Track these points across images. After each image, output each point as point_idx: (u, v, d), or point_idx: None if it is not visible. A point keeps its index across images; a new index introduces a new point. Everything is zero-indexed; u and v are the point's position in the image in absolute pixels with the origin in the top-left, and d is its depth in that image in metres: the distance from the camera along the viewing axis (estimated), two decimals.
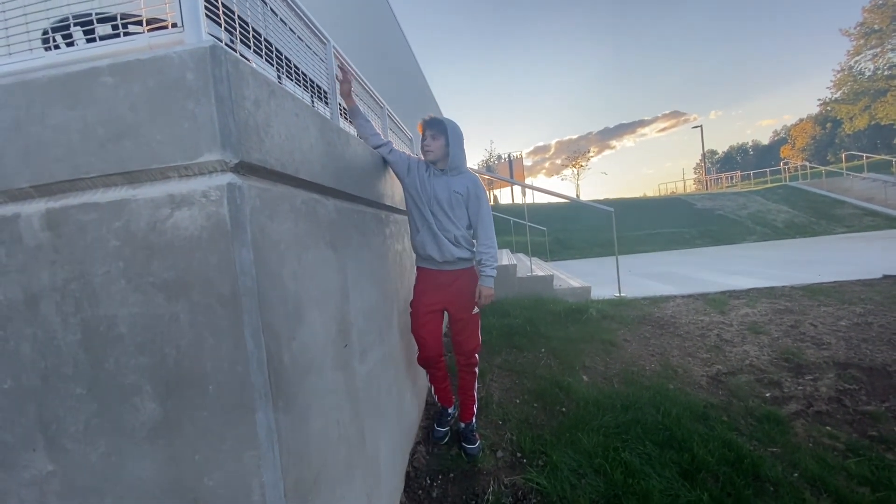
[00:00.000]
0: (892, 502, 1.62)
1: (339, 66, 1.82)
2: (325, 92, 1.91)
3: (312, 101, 1.85)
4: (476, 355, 2.04)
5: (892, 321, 2.94)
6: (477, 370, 2.08)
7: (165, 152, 0.84)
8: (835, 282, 3.92)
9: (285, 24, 1.68)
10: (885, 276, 3.95)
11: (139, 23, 1.16)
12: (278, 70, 1.59)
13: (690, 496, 1.65)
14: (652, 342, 2.89)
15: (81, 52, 1.07)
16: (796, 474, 1.77)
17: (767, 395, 2.29)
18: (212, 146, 0.82)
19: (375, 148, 1.90)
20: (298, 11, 1.72)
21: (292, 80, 1.75)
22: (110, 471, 0.90)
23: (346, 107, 1.92)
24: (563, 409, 2.24)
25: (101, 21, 1.15)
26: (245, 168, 0.87)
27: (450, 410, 2.13)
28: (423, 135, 1.93)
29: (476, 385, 2.09)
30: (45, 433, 0.92)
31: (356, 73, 2.25)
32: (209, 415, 0.86)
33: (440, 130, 1.90)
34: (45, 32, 1.22)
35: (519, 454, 1.97)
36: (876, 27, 22.79)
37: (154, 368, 0.87)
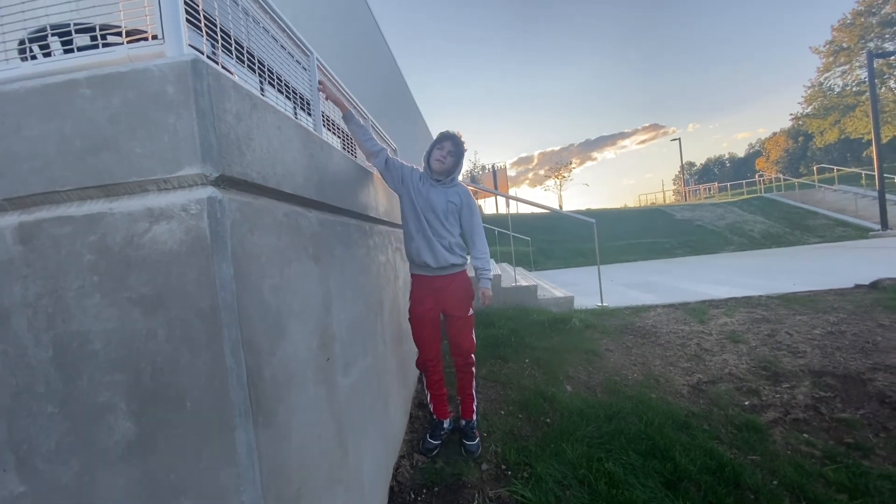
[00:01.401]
0: None
1: (319, 80, 1.84)
2: (307, 102, 1.91)
3: (295, 112, 1.85)
4: (472, 355, 2.14)
5: (864, 330, 3.04)
6: (474, 370, 2.16)
7: (144, 165, 0.83)
8: (809, 291, 4.04)
9: (268, 32, 1.68)
10: (857, 286, 4.09)
11: (119, 34, 1.15)
12: (261, 80, 1.59)
13: None
14: (634, 351, 2.93)
15: (59, 63, 1.05)
16: (776, 482, 1.80)
17: (746, 403, 2.34)
18: (192, 160, 0.82)
19: (371, 153, 1.95)
20: (281, 23, 1.73)
21: (275, 88, 1.76)
22: (83, 491, 0.87)
23: (340, 112, 1.95)
24: (548, 420, 2.25)
25: (79, 32, 1.14)
26: (226, 181, 0.87)
27: (445, 425, 2.13)
28: (442, 145, 1.98)
29: (475, 384, 2.18)
30: (17, 453, 0.88)
31: (340, 84, 2.26)
32: (185, 432, 0.84)
33: (459, 152, 2.00)
34: (22, 42, 1.20)
35: (504, 466, 1.96)
36: (845, 45, 23.88)
37: (129, 385, 0.85)
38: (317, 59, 1.87)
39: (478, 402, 2.45)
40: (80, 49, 1.11)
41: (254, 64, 1.39)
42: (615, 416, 2.20)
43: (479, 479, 1.88)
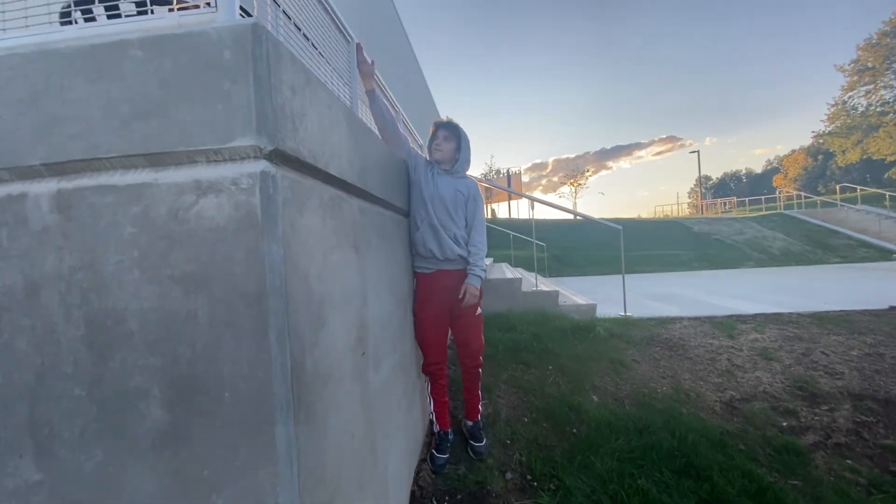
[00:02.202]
0: None
1: (358, 43, 1.80)
2: (346, 83, 1.86)
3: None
4: (480, 357, 2.08)
5: None
6: (481, 371, 2.11)
7: (195, 134, 0.77)
8: (841, 311, 3.89)
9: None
10: (892, 308, 3.93)
11: (166, 2, 1.10)
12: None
13: None
14: (662, 364, 2.82)
15: (105, 29, 1.00)
16: None
17: (784, 424, 2.22)
18: (246, 130, 0.75)
19: (395, 140, 1.91)
20: (332, 15, 1.68)
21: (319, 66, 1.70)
22: (106, 483, 0.80)
23: (364, 89, 1.91)
24: (575, 431, 2.15)
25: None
26: (279, 157, 0.81)
27: (449, 435, 2.04)
28: (436, 135, 1.98)
29: (480, 385, 2.13)
30: (35, 438, 0.82)
31: (377, 76, 2.21)
32: (222, 425, 0.77)
33: (454, 134, 1.97)
34: (66, 7, 1.15)
35: (529, 477, 1.87)
36: (869, 65, 23.44)
37: (165, 370, 0.79)
38: (357, 44, 1.82)
39: (500, 408, 2.37)
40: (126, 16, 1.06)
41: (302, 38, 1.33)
42: (646, 430, 2.10)
43: (503, 489, 1.80)
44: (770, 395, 2.46)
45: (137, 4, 1.08)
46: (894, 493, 1.77)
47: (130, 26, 0.99)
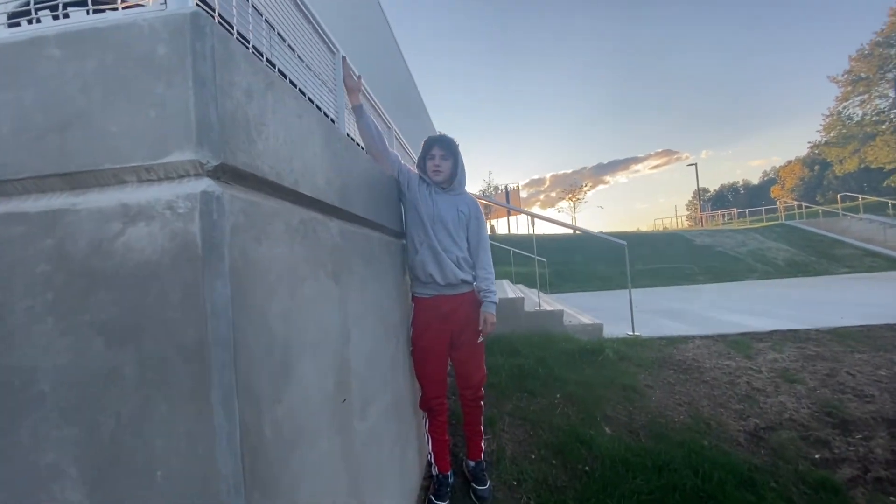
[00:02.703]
0: None
1: (343, 56, 1.67)
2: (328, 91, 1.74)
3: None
4: (482, 388, 1.92)
5: None
6: (483, 404, 1.94)
7: (122, 148, 0.63)
8: (862, 326, 3.70)
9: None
10: None
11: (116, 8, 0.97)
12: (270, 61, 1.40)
13: None
14: (677, 389, 2.63)
15: (42, 28, 0.87)
16: None
17: (817, 456, 2.02)
18: (184, 142, 0.61)
19: (385, 157, 1.77)
20: (315, 24, 1.57)
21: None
22: None
23: (350, 104, 1.78)
24: (587, 469, 1.95)
25: (69, 5, 0.96)
26: (228, 173, 0.66)
27: (449, 479, 1.85)
28: (431, 154, 1.81)
29: (482, 419, 1.95)
30: None
31: (366, 88, 2.09)
32: None
33: (451, 151, 1.82)
34: (12, 16, 1.03)
35: None
36: (863, 75, 23.65)
37: (83, 443, 0.63)
38: (343, 57, 1.70)
39: (505, 443, 2.18)
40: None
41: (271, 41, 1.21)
42: (665, 468, 1.90)
43: None
44: (797, 422, 2.27)
45: (86, 13, 0.95)
46: None
47: (68, 27, 0.85)
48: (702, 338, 3.56)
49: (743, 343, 3.34)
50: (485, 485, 1.84)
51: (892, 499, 1.79)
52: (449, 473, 1.84)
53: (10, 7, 1.03)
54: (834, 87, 25.39)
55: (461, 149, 1.86)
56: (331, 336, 1.00)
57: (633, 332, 3.78)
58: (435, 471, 1.85)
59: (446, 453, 1.86)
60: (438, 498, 1.76)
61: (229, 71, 0.67)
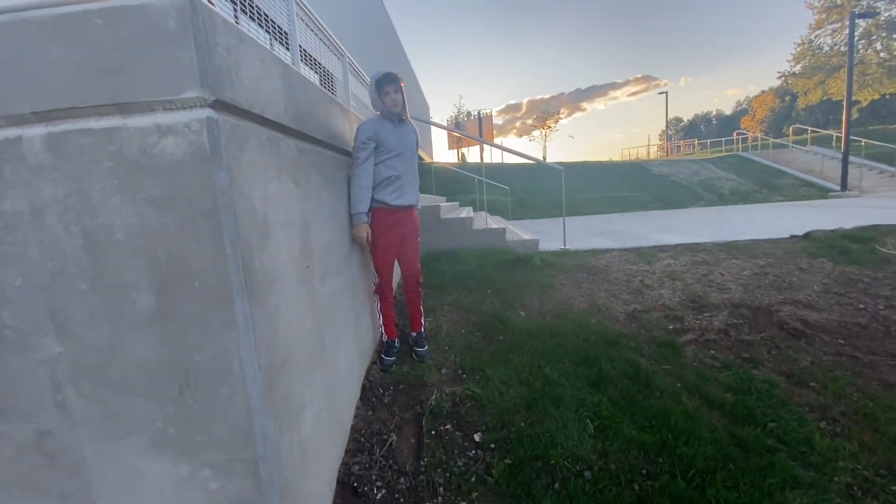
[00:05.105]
0: (746, 403, 2.07)
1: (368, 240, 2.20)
2: (286, 34, 2.02)
3: (272, 44, 1.96)
4: (420, 276, 2.51)
5: (785, 272, 3.47)
6: (421, 290, 2.54)
7: (152, 88, 1.00)
8: (751, 240, 4.46)
9: None
10: (792, 236, 4.52)
11: None
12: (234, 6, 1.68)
13: (594, 399, 2.06)
14: (584, 286, 3.29)
15: None
16: (679, 384, 2.21)
17: (670, 327, 2.74)
18: (192, 85, 0.99)
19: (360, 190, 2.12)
20: None
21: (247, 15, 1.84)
22: (113, 351, 1.12)
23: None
24: (501, 338, 2.60)
25: None
26: (220, 105, 1.05)
27: (396, 343, 2.45)
28: (386, 90, 2.12)
29: (422, 302, 2.57)
30: (55, 321, 1.12)
31: (318, 21, 2.33)
32: (196, 305, 1.09)
33: (399, 84, 2.15)
34: None
35: (460, 371, 2.32)
36: (839, 2, 23.38)
37: (148, 268, 1.08)
38: None
39: (442, 323, 2.79)
40: None
41: (250, 8, 1.50)
42: (558, 335, 2.57)
43: (438, 381, 2.24)
44: (667, 306, 2.98)
45: None
46: (738, 372, 2.30)
47: None
48: (619, 250, 4.23)
49: (649, 253, 4.03)
50: (423, 347, 2.46)
51: (711, 352, 2.52)
52: (396, 340, 2.45)
53: None
54: (810, 15, 25.15)
55: (432, 77, 2.28)
56: (294, 221, 1.45)
57: (564, 246, 4.42)
58: (385, 338, 2.45)
59: (393, 325, 2.45)
60: (387, 355, 2.37)
61: (214, 34, 1.03)
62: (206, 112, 1.01)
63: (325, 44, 2.45)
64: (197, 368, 1.12)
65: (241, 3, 1.58)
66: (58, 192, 1.06)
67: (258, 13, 1.67)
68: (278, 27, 1.88)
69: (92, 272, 1.09)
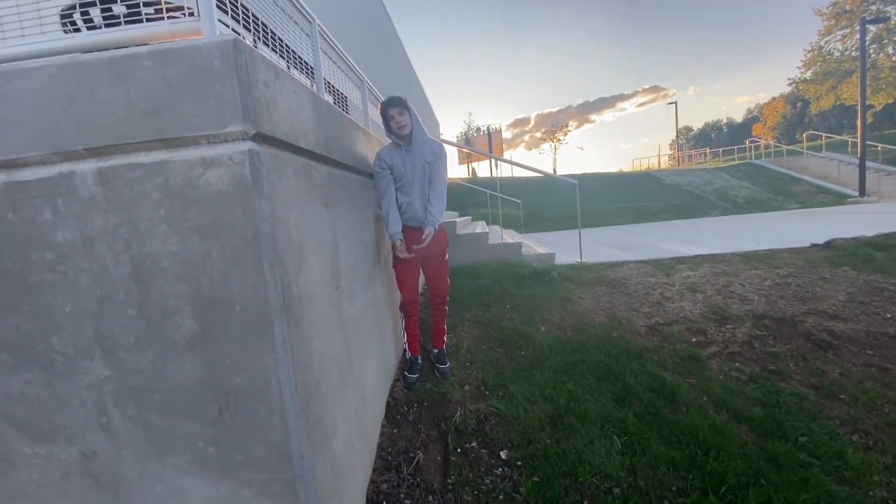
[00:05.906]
0: (775, 417, 2.04)
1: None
2: (311, 68, 2.10)
3: (288, 67, 2.02)
4: (447, 295, 2.50)
5: (807, 281, 3.41)
6: (447, 308, 2.54)
7: (197, 123, 1.06)
8: (769, 249, 4.40)
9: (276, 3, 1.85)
10: (812, 245, 4.46)
11: (150, 4, 1.33)
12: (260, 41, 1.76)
13: (619, 414, 2.04)
14: (603, 299, 3.28)
15: (111, 35, 1.25)
16: (705, 398, 2.18)
17: (694, 340, 2.71)
18: (234, 119, 1.05)
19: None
20: None
21: (277, 53, 1.93)
22: (157, 374, 1.16)
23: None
24: (523, 353, 2.60)
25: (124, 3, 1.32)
26: (260, 137, 1.11)
27: (419, 360, 2.47)
28: (390, 114, 2.15)
29: (445, 320, 2.58)
30: (102, 346, 1.17)
31: (338, 47, 2.42)
32: (236, 328, 1.13)
33: (405, 106, 2.17)
34: (67, 9, 1.38)
35: (483, 388, 2.32)
36: (847, 8, 23.31)
37: (191, 294, 1.12)
38: (318, 26, 2.04)
39: (463, 339, 2.80)
40: (123, 19, 1.30)
41: (268, 37, 1.58)
42: (580, 349, 2.56)
43: (461, 397, 2.24)
44: (688, 319, 2.95)
45: (129, 7, 1.32)
46: (765, 385, 2.27)
47: (130, 34, 1.24)
48: (636, 262, 4.21)
49: (667, 265, 4.01)
50: (445, 364, 2.47)
51: (736, 364, 2.48)
52: (418, 357, 2.47)
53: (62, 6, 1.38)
54: (819, 21, 25.08)
55: (441, 94, 2.31)
56: (325, 245, 1.49)
57: (581, 259, 4.41)
58: (408, 355, 2.47)
59: (416, 343, 2.47)
60: (410, 372, 2.39)
61: (255, 72, 1.09)
62: (248, 145, 1.07)
63: (345, 73, 2.54)
64: (237, 390, 1.15)
65: (271, 41, 1.65)
66: (108, 223, 1.12)
67: (282, 47, 1.75)
68: (304, 62, 1.96)
69: (138, 298, 1.14)
